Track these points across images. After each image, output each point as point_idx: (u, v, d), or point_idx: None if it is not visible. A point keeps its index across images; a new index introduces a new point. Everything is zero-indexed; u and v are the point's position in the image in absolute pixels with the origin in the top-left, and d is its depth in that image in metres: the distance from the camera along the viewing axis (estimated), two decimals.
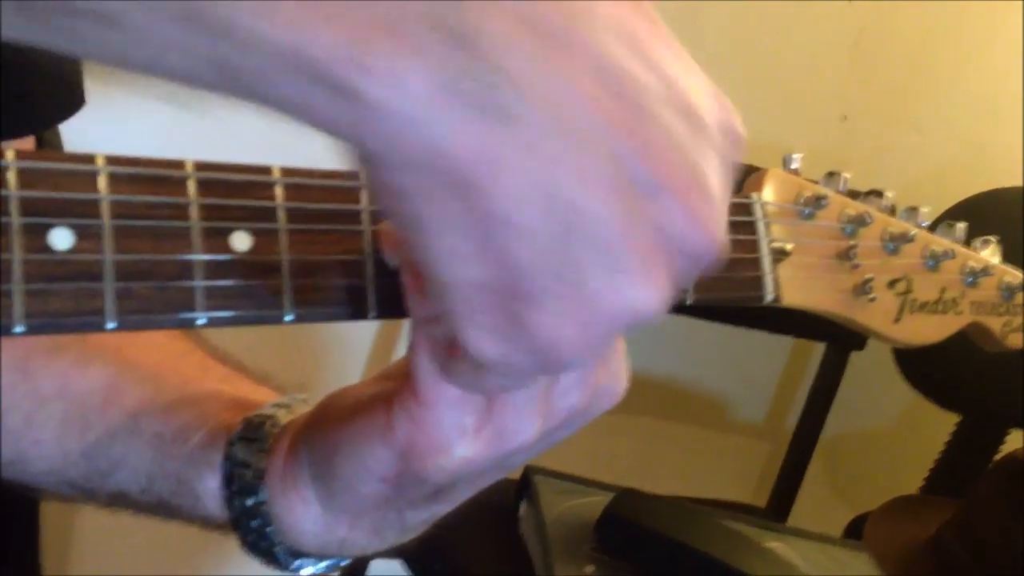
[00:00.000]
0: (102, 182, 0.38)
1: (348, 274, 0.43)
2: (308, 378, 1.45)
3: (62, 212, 0.37)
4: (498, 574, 1.21)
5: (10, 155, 0.37)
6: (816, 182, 0.59)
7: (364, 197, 0.44)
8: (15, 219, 0.36)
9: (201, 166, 0.41)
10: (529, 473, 1.27)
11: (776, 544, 1.32)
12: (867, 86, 1.65)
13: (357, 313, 0.43)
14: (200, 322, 0.40)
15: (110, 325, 0.38)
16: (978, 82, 1.68)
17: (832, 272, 0.58)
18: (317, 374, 1.56)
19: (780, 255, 0.55)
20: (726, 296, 0.53)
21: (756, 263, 0.55)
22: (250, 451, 0.51)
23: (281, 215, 0.42)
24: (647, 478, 1.55)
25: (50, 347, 0.58)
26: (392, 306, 0.44)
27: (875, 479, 1.84)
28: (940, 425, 1.75)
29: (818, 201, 0.57)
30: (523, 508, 1.25)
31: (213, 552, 1.56)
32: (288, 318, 0.42)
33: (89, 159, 0.39)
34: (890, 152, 1.71)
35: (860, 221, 0.59)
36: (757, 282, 0.55)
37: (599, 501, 1.21)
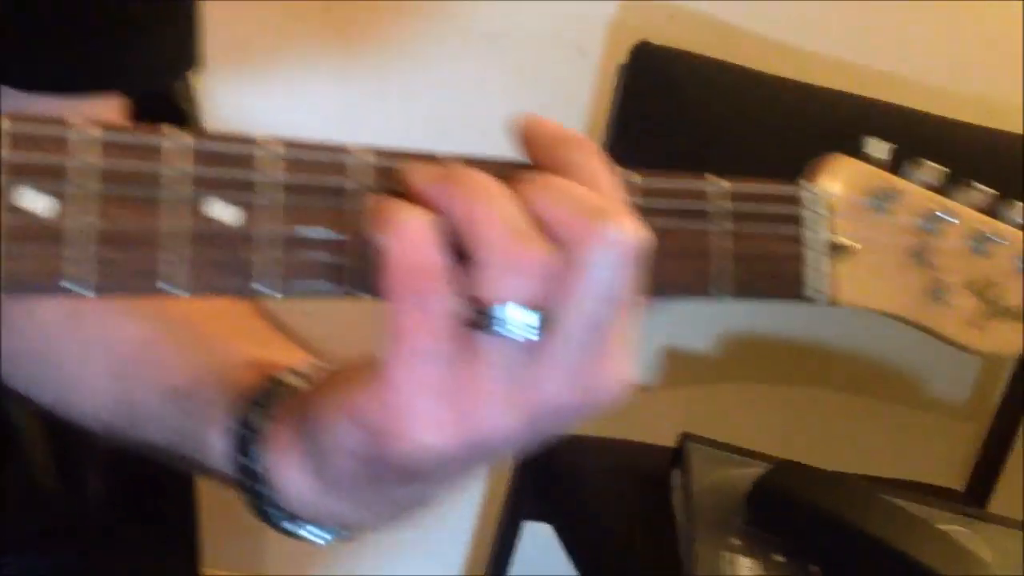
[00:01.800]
0: (94, 149, 0.39)
1: (342, 252, 0.43)
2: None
3: (50, 175, 0.39)
4: (643, 543, 1.20)
5: (6, 122, 0.38)
6: (896, 172, 0.55)
7: (364, 173, 0.44)
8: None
9: (197, 134, 0.41)
10: (683, 440, 1.24)
11: (958, 528, 1.25)
12: None
13: (350, 292, 0.44)
14: (179, 292, 0.40)
15: (87, 292, 0.39)
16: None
17: (903, 272, 0.54)
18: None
19: (836, 251, 0.52)
20: (765, 293, 0.51)
21: (802, 258, 0.51)
22: (258, 415, 0.52)
23: (273, 188, 0.42)
24: (833, 455, 1.49)
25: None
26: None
27: None
28: None
29: (889, 194, 0.53)
30: (675, 476, 1.23)
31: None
32: (276, 294, 0.42)
33: (81, 125, 0.39)
34: None
35: (940, 218, 0.54)
36: (802, 279, 0.51)
37: (756, 472, 1.18)
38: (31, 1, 0.60)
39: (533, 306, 0.42)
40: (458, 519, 1.62)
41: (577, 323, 0.42)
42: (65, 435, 0.78)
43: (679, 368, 1.56)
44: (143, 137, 0.40)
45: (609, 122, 1.28)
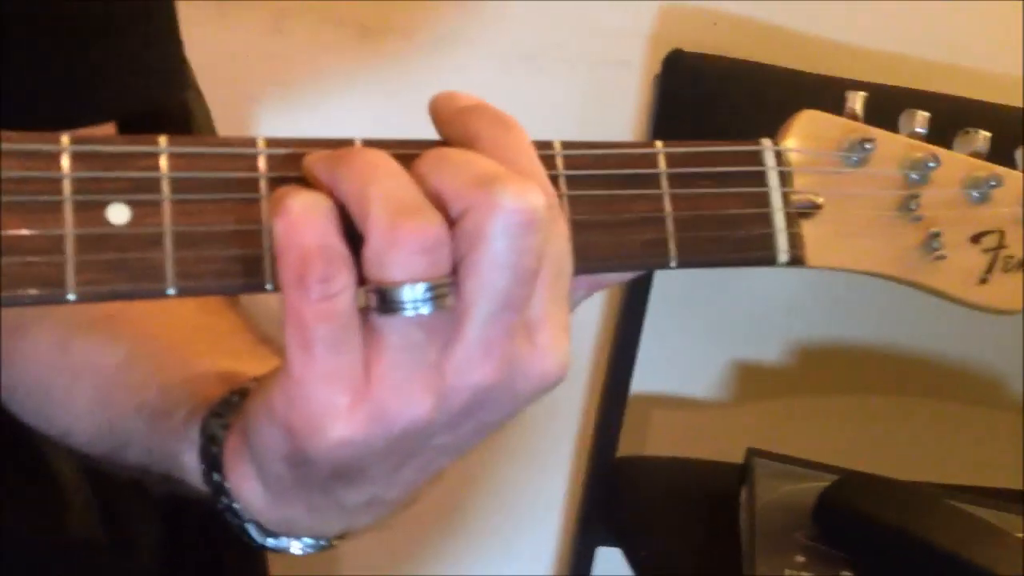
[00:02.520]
0: None
1: (242, 244, 0.41)
2: None
3: None
4: (708, 566, 1.15)
5: None
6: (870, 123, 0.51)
7: (262, 163, 0.42)
8: None
9: (77, 139, 0.40)
10: (749, 456, 1.20)
11: None
12: None
13: (252, 285, 0.42)
14: (70, 297, 0.39)
15: None
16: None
17: (890, 227, 0.50)
18: None
19: (806, 210, 0.48)
20: (724, 257, 0.47)
21: (765, 219, 0.48)
22: (217, 426, 0.50)
23: (164, 185, 0.41)
24: (914, 465, 1.43)
25: (85, 324, 0.60)
26: None
27: None
28: None
29: (863, 145, 0.49)
30: (742, 493, 1.18)
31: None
32: (170, 291, 0.40)
33: None
34: None
35: (925, 165, 0.50)
36: (766, 241, 0.48)
37: (821, 486, 1.12)
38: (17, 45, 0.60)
39: (432, 282, 0.39)
40: (537, 550, 1.59)
41: (481, 297, 0.40)
42: (113, 485, 0.78)
43: (749, 382, 1.51)
44: (26, 144, 0.39)
45: (650, 133, 1.25)
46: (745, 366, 1.51)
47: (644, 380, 1.38)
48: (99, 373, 0.58)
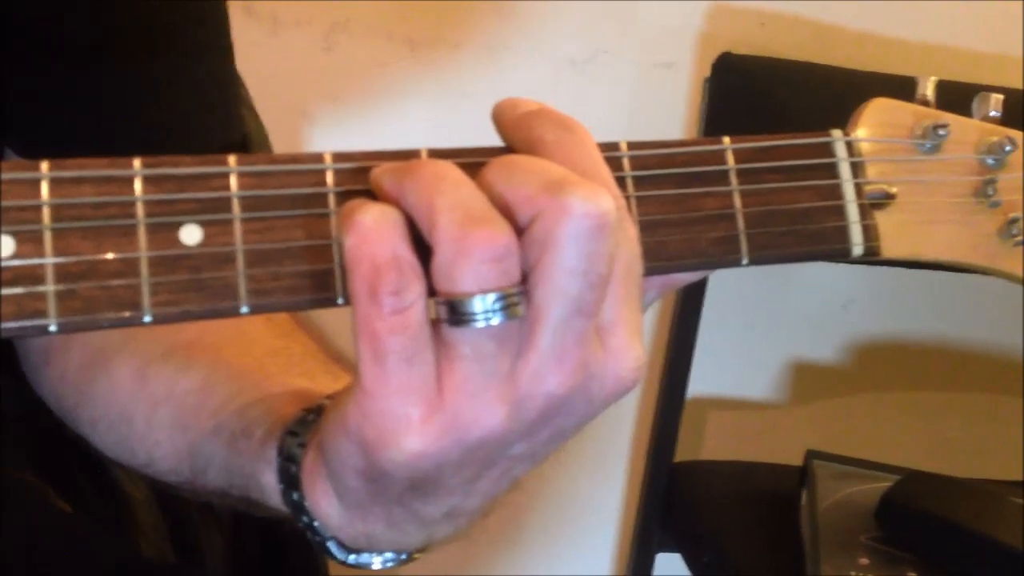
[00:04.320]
0: (44, 188, 0.39)
1: (313, 259, 0.41)
2: None
3: (4, 219, 0.39)
4: (771, 569, 1.14)
5: None
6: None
7: (330, 178, 0.42)
8: None
9: (148, 163, 0.40)
10: (808, 457, 1.19)
11: None
12: None
13: (323, 300, 0.42)
14: (147, 319, 0.40)
15: (52, 327, 0.39)
16: None
17: (967, 214, 0.49)
18: None
19: (879, 200, 0.48)
20: (796, 252, 0.47)
21: (838, 211, 0.47)
22: (295, 444, 0.50)
23: (235, 204, 0.41)
24: (980, 463, 1.41)
25: (162, 353, 0.61)
26: None
27: None
28: None
29: (937, 131, 0.48)
30: (803, 496, 1.18)
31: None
32: (244, 309, 0.41)
33: (33, 167, 0.39)
34: None
35: (1001, 149, 0.49)
36: (839, 234, 0.47)
37: (883, 486, 1.11)
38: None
39: (502, 292, 0.39)
40: (596, 557, 1.59)
41: (553, 304, 0.40)
42: (180, 503, 0.79)
43: (806, 382, 1.50)
44: (91, 170, 0.40)
45: (700, 135, 1.25)
46: (801, 366, 1.50)
47: (700, 383, 1.37)
48: (177, 399, 0.59)
